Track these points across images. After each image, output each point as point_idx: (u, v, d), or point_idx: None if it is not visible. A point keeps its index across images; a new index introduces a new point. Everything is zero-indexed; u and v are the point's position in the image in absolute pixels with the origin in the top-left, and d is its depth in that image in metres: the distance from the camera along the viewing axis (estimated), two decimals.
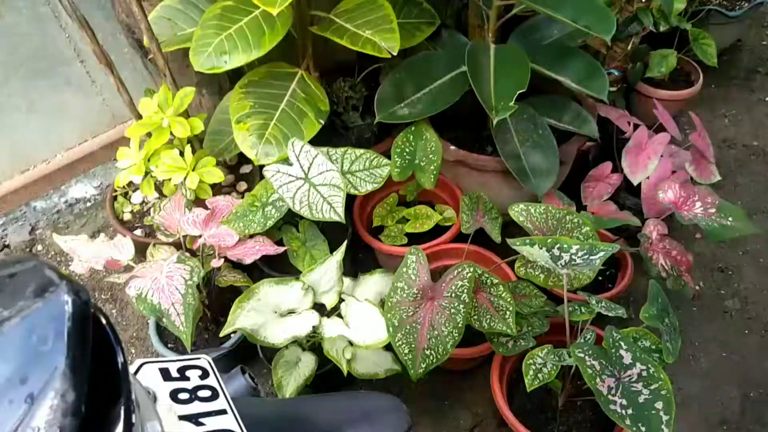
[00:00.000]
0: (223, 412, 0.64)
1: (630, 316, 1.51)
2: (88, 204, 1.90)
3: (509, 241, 1.03)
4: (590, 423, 1.22)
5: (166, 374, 0.63)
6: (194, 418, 0.61)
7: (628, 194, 1.57)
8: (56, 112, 1.75)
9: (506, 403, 1.20)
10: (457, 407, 1.40)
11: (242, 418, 0.67)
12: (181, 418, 0.60)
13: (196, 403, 0.63)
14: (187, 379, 0.65)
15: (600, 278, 1.51)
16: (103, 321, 0.40)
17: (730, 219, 1.28)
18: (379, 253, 1.52)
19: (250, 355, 1.40)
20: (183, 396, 0.63)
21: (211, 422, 0.62)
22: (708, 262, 1.70)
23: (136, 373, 0.61)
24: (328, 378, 1.29)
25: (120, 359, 0.39)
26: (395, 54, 1.18)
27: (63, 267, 1.73)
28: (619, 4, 1.51)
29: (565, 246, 1.02)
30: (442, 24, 1.56)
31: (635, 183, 1.47)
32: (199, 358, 0.69)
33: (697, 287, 1.63)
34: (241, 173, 1.59)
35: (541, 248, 1.01)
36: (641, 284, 1.52)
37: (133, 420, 0.39)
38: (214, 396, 0.65)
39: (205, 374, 0.67)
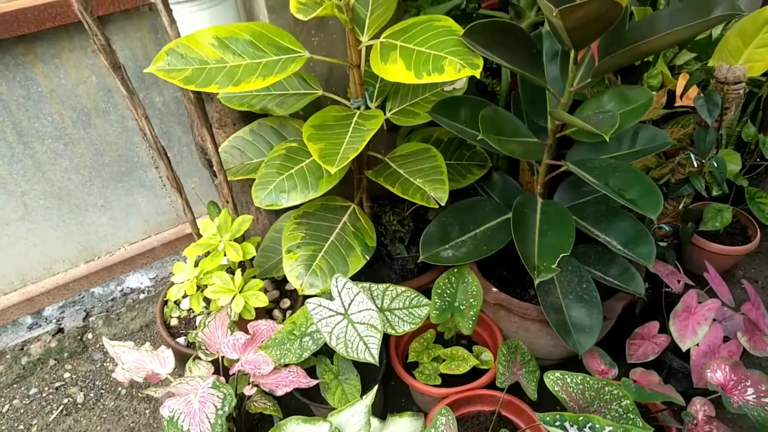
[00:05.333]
0: None
1: None
2: (141, 296, 1.99)
3: (539, 416, 1.00)
4: None
5: None
6: None
7: (674, 355, 1.51)
8: (127, 210, 1.89)
9: None
10: None
11: None
12: None
13: None
14: None
15: None
16: None
17: None
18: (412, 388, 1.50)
19: None
20: None
21: None
22: None
23: None
24: None
25: None
26: (443, 204, 1.23)
27: (109, 363, 1.80)
28: (671, 165, 1.52)
29: (598, 426, 0.98)
30: (494, 167, 1.62)
31: (684, 349, 1.41)
32: None
33: None
34: (287, 289, 1.64)
35: (572, 426, 0.98)
36: None
37: None
38: None
39: None
